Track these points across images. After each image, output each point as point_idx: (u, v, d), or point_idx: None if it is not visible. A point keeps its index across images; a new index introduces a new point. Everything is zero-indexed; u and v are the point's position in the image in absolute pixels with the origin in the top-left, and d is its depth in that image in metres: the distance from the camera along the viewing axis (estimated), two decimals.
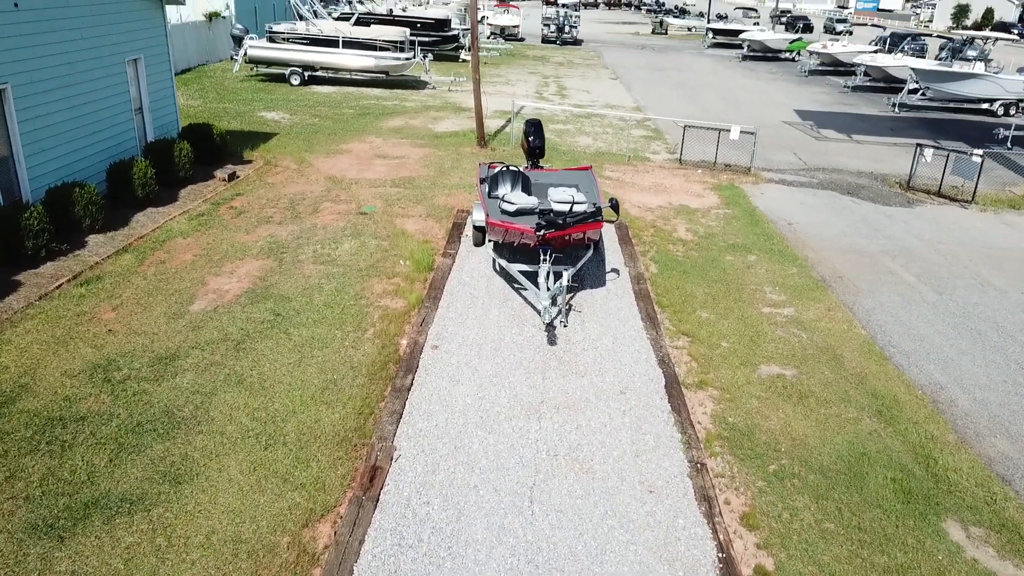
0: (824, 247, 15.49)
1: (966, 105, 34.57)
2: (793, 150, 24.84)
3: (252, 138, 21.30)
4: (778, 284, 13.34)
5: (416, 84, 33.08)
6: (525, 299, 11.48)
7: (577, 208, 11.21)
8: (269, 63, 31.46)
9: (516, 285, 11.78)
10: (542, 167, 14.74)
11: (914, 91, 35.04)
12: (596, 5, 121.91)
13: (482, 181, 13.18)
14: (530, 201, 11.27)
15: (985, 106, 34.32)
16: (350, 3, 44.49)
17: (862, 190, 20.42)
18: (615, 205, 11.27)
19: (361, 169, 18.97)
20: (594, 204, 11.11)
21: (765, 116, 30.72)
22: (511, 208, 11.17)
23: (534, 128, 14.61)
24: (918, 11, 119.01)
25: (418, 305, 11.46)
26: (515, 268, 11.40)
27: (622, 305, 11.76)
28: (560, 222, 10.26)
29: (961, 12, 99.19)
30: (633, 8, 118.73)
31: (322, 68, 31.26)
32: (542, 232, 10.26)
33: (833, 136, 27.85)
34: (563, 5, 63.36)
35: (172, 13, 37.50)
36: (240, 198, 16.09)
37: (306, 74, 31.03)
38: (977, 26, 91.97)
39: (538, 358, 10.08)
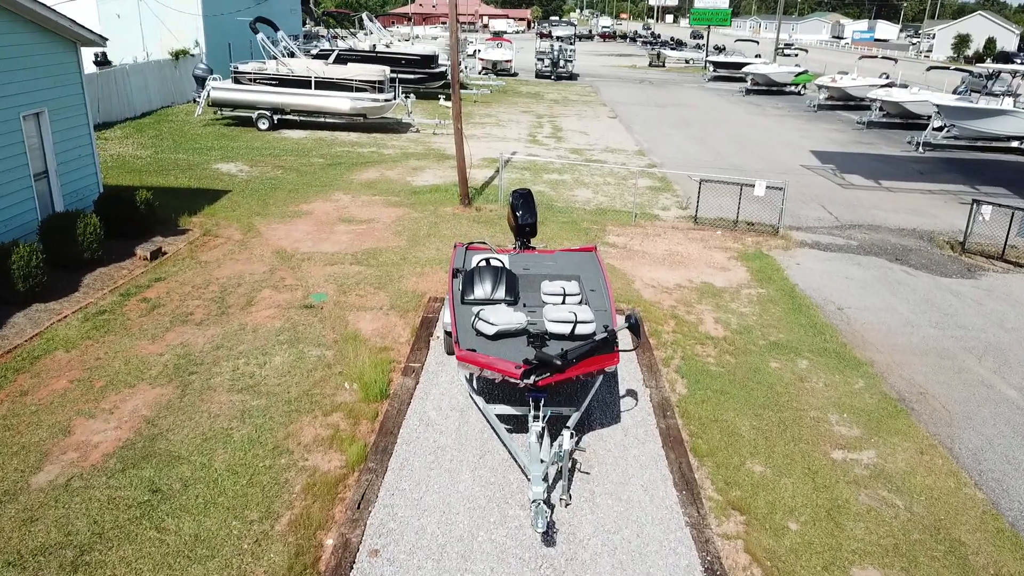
0: (889, 344, 12.28)
1: (994, 144, 31.80)
2: (820, 202, 21.79)
3: (197, 198, 18.17)
4: (845, 408, 10.11)
5: (398, 127, 30.13)
6: (510, 451, 8.23)
7: (581, 329, 8.01)
8: (235, 106, 28.50)
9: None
10: (533, 248, 11.58)
11: (938, 129, 32.25)
12: (591, 37, 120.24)
13: (455, 274, 10.00)
14: (515, 320, 8.06)
15: (1016, 144, 31.55)
16: (331, 40, 41.76)
17: (911, 255, 17.30)
18: (636, 324, 8.06)
19: (319, 239, 15.80)
20: (605, 327, 7.90)
21: (781, 159, 27.78)
22: (489, 330, 7.96)
23: (523, 201, 11.48)
24: (915, 41, 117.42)
25: (359, 465, 8.19)
26: (494, 411, 8.20)
27: (645, 458, 8.51)
28: (557, 362, 7.01)
29: (962, 42, 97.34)
30: (628, 40, 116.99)
31: (293, 111, 28.30)
32: (533, 379, 7.05)
33: (860, 183, 24.86)
34: (558, 38, 60.94)
35: (131, 51, 34.79)
36: (159, 285, 12.88)
37: (275, 118, 28.11)
38: (979, 57, 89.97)
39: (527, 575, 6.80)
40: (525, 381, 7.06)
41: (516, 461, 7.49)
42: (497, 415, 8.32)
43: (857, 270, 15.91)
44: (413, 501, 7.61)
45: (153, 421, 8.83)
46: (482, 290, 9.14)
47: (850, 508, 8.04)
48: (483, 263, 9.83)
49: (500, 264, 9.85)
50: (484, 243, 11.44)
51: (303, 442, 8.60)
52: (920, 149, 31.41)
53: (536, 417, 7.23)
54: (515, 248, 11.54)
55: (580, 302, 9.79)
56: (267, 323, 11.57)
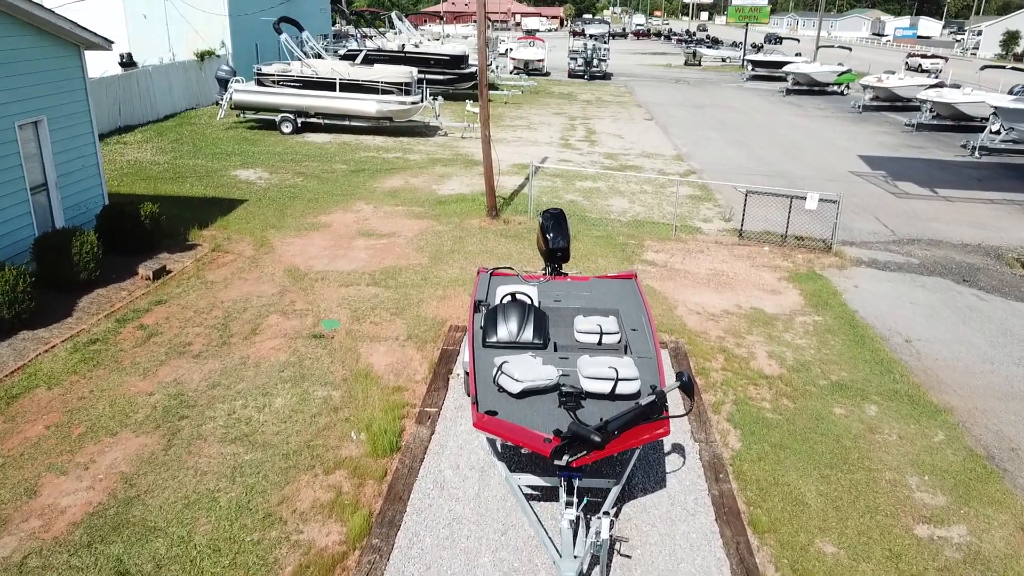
0: (968, 386, 10.84)
1: None
2: (874, 213, 20.24)
3: (210, 209, 17.20)
4: (925, 468, 8.73)
5: (425, 131, 29.03)
6: (539, 534, 7.00)
7: (623, 388, 6.75)
8: (257, 109, 27.61)
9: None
10: (566, 275, 10.34)
11: (996, 132, 30.38)
12: (624, 35, 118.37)
13: (477, 307, 8.81)
14: (544, 375, 6.83)
15: None
16: (359, 40, 40.84)
17: (980, 275, 15.75)
18: (688, 384, 6.78)
19: (335, 255, 14.71)
20: (653, 388, 6.64)
21: (827, 164, 26.22)
22: (514, 387, 6.75)
23: (554, 222, 10.25)
24: (960, 38, 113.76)
25: (362, 540, 7.02)
26: (518, 481, 6.98)
27: (696, 535, 7.23)
28: (596, 438, 5.74)
29: (1011, 39, 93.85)
30: (663, 38, 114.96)
31: (317, 114, 27.32)
32: (566, 460, 5.81)
33: (915, 192, 23.23)
34: (591, 36, 59.52)
35: (157, 52, 34.14)
36: (159, 309, 11.86)
37: (299, 121, 27.16)
38: None
39: None
40: (556, 462, 5.84)
41: (544, 545, 6.28)
42: (522, 487, 7.11)
43: (922, 294, 14.42)
44: None
45: (131, 479, 7.75)
46: (507, 331, 7.93)
47: None
48: (508, 298, 8.62)
49: (527, 299, 8.63)
50: (510, 268, 10.24)
51: (299, 508, 7.46)
52: (976, 154, 29.61)
53: (569, 503, 6.02)
54: (545, 274, 10.32)
55: (619, 342, 8.55)
56: (271, 356, 10.48)
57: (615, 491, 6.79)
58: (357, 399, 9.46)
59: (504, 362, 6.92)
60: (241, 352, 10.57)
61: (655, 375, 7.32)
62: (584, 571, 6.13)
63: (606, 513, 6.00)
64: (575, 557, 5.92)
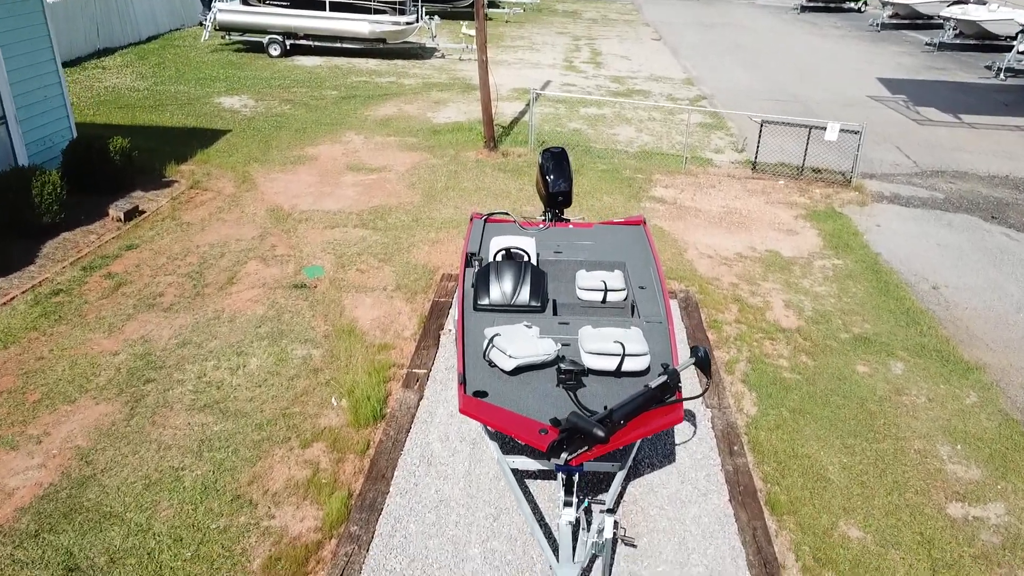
0: (1002, 340, 10.05)
1: None
2: (895, 142, 19.08)
3: (191, 141, 16.14)
4: (957, 435, 8.01)
5: (421, 53, 27.54)
6: (533, 532, 6.31)
7: (630, 364, 5.93)
8: (244, 30, 26.09)
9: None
10: (567, 220, 9.43)
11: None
12: None
13: (468, 261, 7.95)
14: (541, 349, 6.00)
15: None
16: None
17: (1009, 211, 14.77)
18: (704, 359, 5.95)
19: (321, 192, 13.76)
20: (664, 367, 5.81)
21: (845, 88, 24.85)
22: (507, 363, 5.93)
23: (555, 163, 9.29)
24: None
25: (339, 527, 6.35)
26: (512, 464, 6.25)
27: (708, 519, 6.55)
28: (599, 432, 4.90)
29: None
30: None
31: (306, 36, 25.81)
32: (564, 458, 5.04)
33: (937, 118, 21.97)
34: None
35: None
36: (129, 255, 11.01)
37: (288, 43, 25.69)
38: None
39: None
40: (554, 460, 5.08)
41: (540, 546, 5.56)
42: (516, 470, 6.39)
43: (949, 234, 13.48)
44: None
45: (88, 455, 7.05)
46: (500, 293, 7.09)
47: None
48: (502, 254, 7.74)
49: (523, 254, 7.75)
50: (507, 214, 9.33)
51: (271, 489, 6.78)
52: (1003, 76, 28.11)
53: (568, 503, 5.29)
54: (544, 220, 9.41)
55: (625, 299, 7.74)
56: (248, 309, 9.68)
57: (620, 477, 6.06)
58: (339, 359, 8.70)
59: (496, 335, 6.10)
60: (215, 305, 9.76)
61: (666, 345, 6.51)
62: (585, 569, 5.45)
63: (610, 511, 5.28)
64: (574, 560, 5.23)
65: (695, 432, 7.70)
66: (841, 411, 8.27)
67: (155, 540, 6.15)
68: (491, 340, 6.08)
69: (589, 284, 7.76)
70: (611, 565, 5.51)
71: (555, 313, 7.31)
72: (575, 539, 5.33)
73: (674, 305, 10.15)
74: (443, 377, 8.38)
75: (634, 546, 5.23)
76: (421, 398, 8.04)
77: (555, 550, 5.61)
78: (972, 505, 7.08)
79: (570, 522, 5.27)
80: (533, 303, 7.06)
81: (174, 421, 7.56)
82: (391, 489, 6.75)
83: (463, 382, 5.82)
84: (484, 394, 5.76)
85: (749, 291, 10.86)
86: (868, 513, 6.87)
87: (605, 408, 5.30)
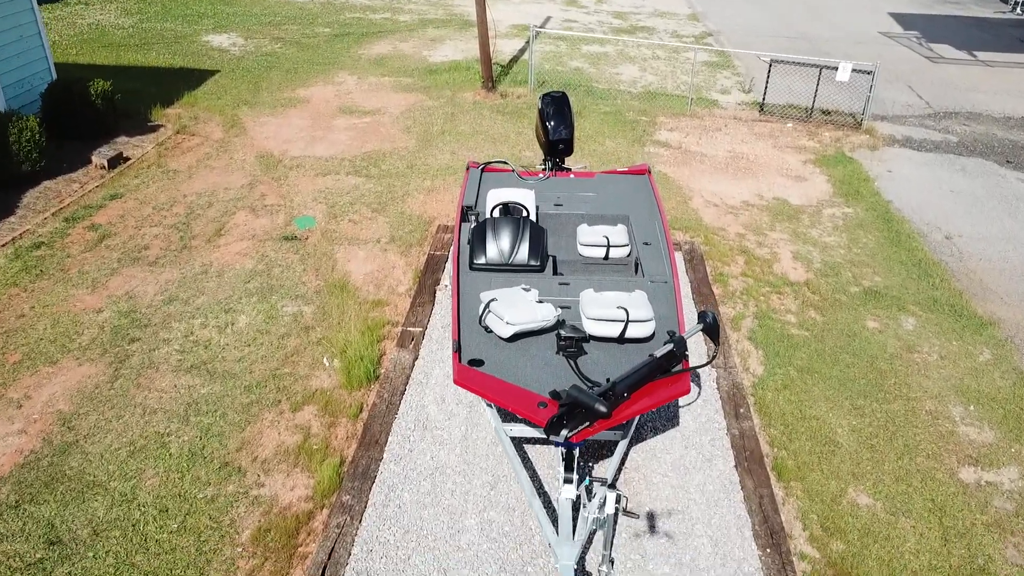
0: (1016, 292, 9.74)
1: None
2: (907, 81, 18.44)
3: (177, 82, 15.54)
4: (970, 395, 7.75)
5: None
6: (533, 507, 6.10)
7: (635, 330, 5.61)
8: None
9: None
10: (568, 170, 9.01)
11: None
12: None
13: (464, 215, 7.58)
14: (540, 315, 5.67)
15: None
16: None
17: None
18: (712, 325, 5.63)
19: (313, 137, 13.26)
20: (671, 335, 5.48)
21: (856, 24, 24.00)
22: (505, 330, 5.61)
23: (555, 108, 8.82)
24: None
25: (331, 496, 6.14)
26: (512, 432, 6.00)
27: (713, 487, 6.33)
28: (601, 408, 4.58)
29: None
30: None
31: None
32: (564, 435, 4.75)
33: (951, 55, 21.24)
34: None
35: None
36: (114, 205, 10.61)
37: None
38: None
39: None
40: (553, 436, 4.80)
41: (539, 521, 5.33)
42: (515, 438, 6.14)
43: (962, 180, 13.03)
44: (397, 564, 5.56)
45: (70, 420, 6.79)
46: (497, 251, 6.73)
47: (995, 572, 5.85)
48: (499, 208, 7.34)
49: (522, 209, 7.35)
50: (505, 163, 8.91)
51: (260, 456, 6.54)
52: (1019, 10, 27.16)
53: (568, 480, 5.03)
54: (544, 170, 8.99)
55: (628, 255, 7.40)
56: (236, 263, 9.33)
57: (622, 446, 5.81)
58: (331, 316, 8.39)
59: (492, 300, 5.76)
60: (203, 258, 9.41)
61: (672, 308, 6.18)
62: (585, 543, 5.23)
63: (612, 485, 5.02)
64: (573, 536, 5.00)
65: (700, 394, 7.44)
66: (850, 370, 8.00)
67: (140, 511, 5.93)
68: (487, 305, 5.75)
69: (591, 239, 7.41)
70: (612, 539, 5.29)
71: (555, 272, 6.97)
72: (575, 516, 5.10)
73: (679, 258, 9.79)
74: (439, 336, 8.08)
75: (636, 517, 5.00)
76: (416, 358, 7.76)
77: (554, 520, 5.40)
78: (985, 469, 6.86)
79: (571, 500, 5.02)
80: (532, 262, 6.71)
81: (160, 383, 7.29)
82: (385, 456, 6.52)
83: (458, 350, 5.51)
84: (480, 363, 5.46)
85: (756, 242, 10.50)
86: (878, 479, 6.65)
87: (607, 380, 5.00)
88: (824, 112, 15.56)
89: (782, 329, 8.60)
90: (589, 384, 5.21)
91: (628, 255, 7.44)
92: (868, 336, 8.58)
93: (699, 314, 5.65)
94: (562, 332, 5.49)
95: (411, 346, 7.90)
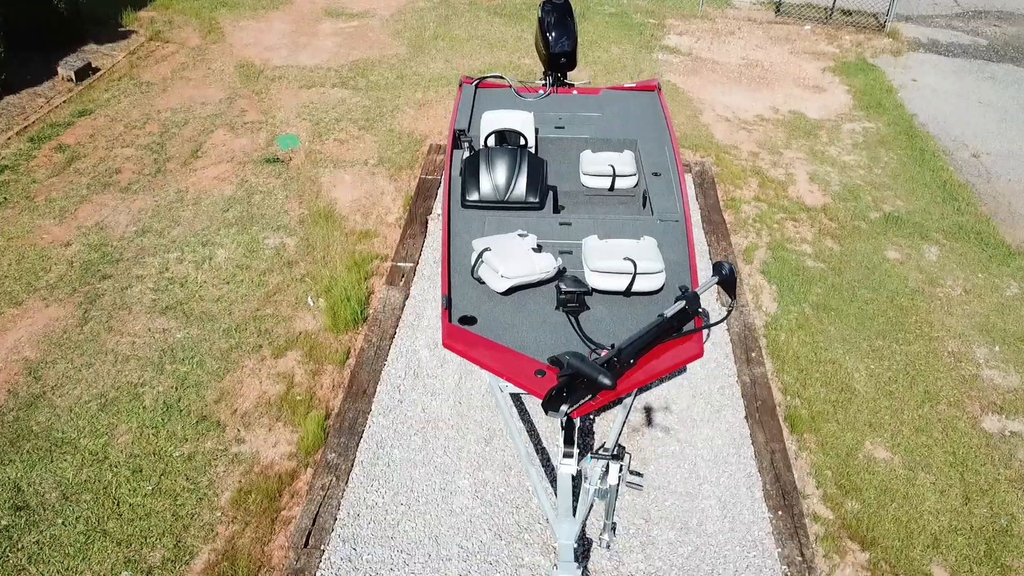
0: None
1: None
2: None
3: None
4: (996, 334, 7.31)
5: None
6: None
7: (643, 283, 5.08)
8: None
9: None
10: (571, 86, 8.26)
11: None
12: None
13: (456, 139, 6.92)
14: (540, 266, 5.11)
15: None
16: None
17: None
18: (728, 277, 5.07)
19: (296, 44, 12.34)
20: (683, 291, 4.95)
21: None
22: (500, 284, 5.07)
23: (557, 17, 7.98)
24: None
25: (315, 452, 5.77)
26: (511, 389, 5.56)
27: (722, 441, 5.97)
28: (605, 380, 4.08)
29: None
30: None
31: None
32: (564, 411, 4.29)
33: None
34: None
35: None
36: (83, 122, 9.89)
37: None
38: None
39: None
40: (552, 413, 4.35)
41: (535, 492, 4.96)
42: (512, 394, 5.72)
43: (992, 89, 12.19)
44: (386, 531, 5.24)
45: (37, 370, 6.37)
46: (492, 186, 6.12)
47: (1019, 534, 5.53)
48: (495, 136, 6.67)
49: (519, 136, 6.68)
50: (501, 77, 8.15)
51: (241, 408, 6.14)
52: None
53: (568, 454, 4.61)
54: (545, 86, 8.23)
55: (635, 186, 6.81)
56: (214, 188, 8.71)
57: (626, 403, 5.37)
58: (316, 249, 7.84)
59: (486, 249, 5.20)
60: (178, 183, 8.78)
61: (683, 253, 5.61)
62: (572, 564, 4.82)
63: (615, 456, 4.62)
64: (574, 513, 4.63)
65: (709, 335, 6.98)
66: (869, 307, 7.52)
67: (112, 471, 5.57)
68: (481, 255, 5.19)
69: (595, 168, 6.79)
70: (615, 505, 4.95)
71: (556, 210, 6.38)
72: (576, 493, 4.71)
73: (689, 182, 9.15)
74: (431, 272, 7.56)
75: (640, 488, 4.65)
76: (407, 296, 7.27)
77: (552, 482, 5.03)
78: (1010, 418, 6.47)
79: (572, 476, 4.63)
80: (530, 199, 6.11)
81: (133, 327, 6.82)
82: (373, 408, 6.12)
83: (447, 306, 5.00)
84: (472, 320, 4.95)
85: (770, 161, 9.82)
86: (896, 430, 6.27)
87: (612, 346, 4.51)
88: (845, 12, 14.52)
89: (797, 261, 8.06)
90: (592, 346, 4.72)
91: (635, 185, 6.84)
92: (888, 268, 8.06)
93: (714, 265, 5.10)
94: (562, 286, 4.96)
95: (401, 283, 7.39)
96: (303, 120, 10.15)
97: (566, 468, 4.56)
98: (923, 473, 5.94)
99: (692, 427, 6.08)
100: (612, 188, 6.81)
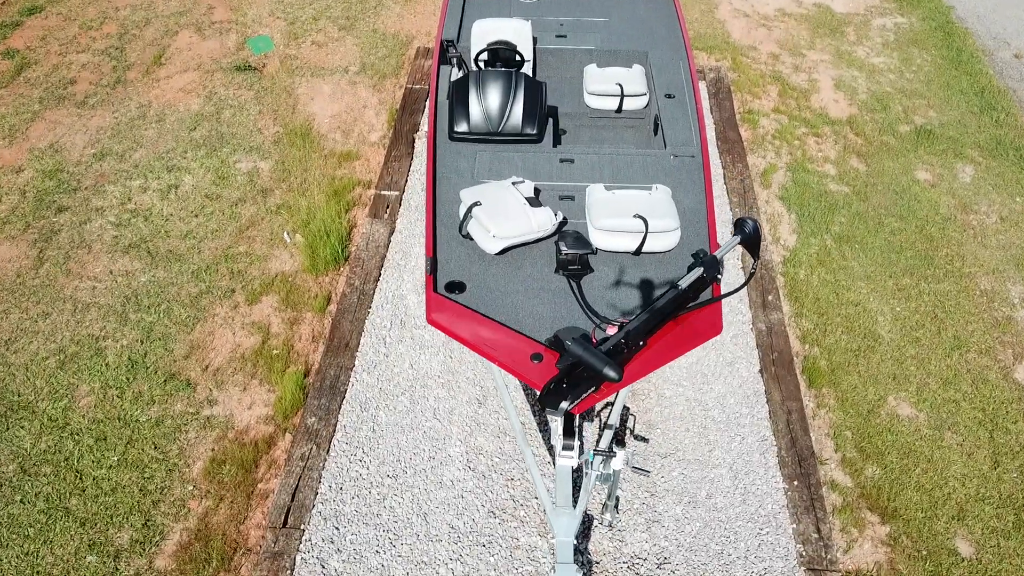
0: None
1: None
2: None
3: None
4: None
5: None
6: (527, 463, 5.31)
7: (655, 243, 4.46)
8: None
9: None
10: None
11: None
12: None
13: (443, 53, 6.13)
14: (536, 223, 4.45)
15: None
16: None
17: None
18: (751, 236, 4.41)
19: None
20: (700, 257, 4.30)
21: None
22: (492, 245, 4.44)
23: None
24: None
25: (294, 416, 5.33)
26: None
27: (734, 400, 5.52)
28: (611, 373, 3.50)
29: None
30: None
31: None
32: (564, 407, 3.76)
33: None
34: None
35: None
36: (33, 23, 8.94)
37: None
38: None
39: None
40: (550, 410, 3.83)
41: (533, 481, 4.51)
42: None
43: None
44: (371, 507, 4.86)
45: None
46: (482, 115, 5.37)
47: None
48: (487, 53, 5.84)
49: (515, 53, 5.84)
50: None
51: (212, 364, 5.66)
52: None
53: (568, 447, 4.12)
54: None
55: (645, 107, 6.09)
56: (179, 102, 7.90)
57: (625, 391, 4.85)
58: (293, 174, 7.15)
59: (476, 203, 4.54)
60: (140, 96, 7.97)
61: (700, 197, 4.95)
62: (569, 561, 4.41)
63: (620, 441, 4.15)
64: (573, 504, 4.21)
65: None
66: (896, 237, 6.91)
67: (73, 440, 5.14)
68: (470, 210, 4.54)
69: (600, 87, 6.03)
70: (617, 499, 4.55)
71: (556, 142, 5.67)
72: (577, 486, 4.28)
73: (702, 89, 8.32)
74: (418, 202, 6.90)
75: (647, 473, 4.22)
76: (393, 231, 6.65)
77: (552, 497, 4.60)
78: None
79: (572, 467, 4.17)
80: (527, 130, 5.38)
81: (93, 269, 6.24)
82: (356, 364, 5.63)
83: (432, 272, 4.39)
84: (461, 287, 4.36)
85: (792, 65, 8.93)
86: (922, 383, 5.80)
87: (619, 324, 3.95)
88: None
89: (819, 184, 7.38)
90: (596, 320, 4.16)
91: (645, 106, 6.10)
92: (918, 192, 7.38)
93: (736, 222, 4.44)
94: (563, 246, 4.34)
95: (386, 216, 6.75)
96: (277, 19, 9.18)
97: (566, 460, 4.10)
98: (950, 433, 5.51)
99: (702, 385, 5.61)
100: (619, 109, 6.07)
